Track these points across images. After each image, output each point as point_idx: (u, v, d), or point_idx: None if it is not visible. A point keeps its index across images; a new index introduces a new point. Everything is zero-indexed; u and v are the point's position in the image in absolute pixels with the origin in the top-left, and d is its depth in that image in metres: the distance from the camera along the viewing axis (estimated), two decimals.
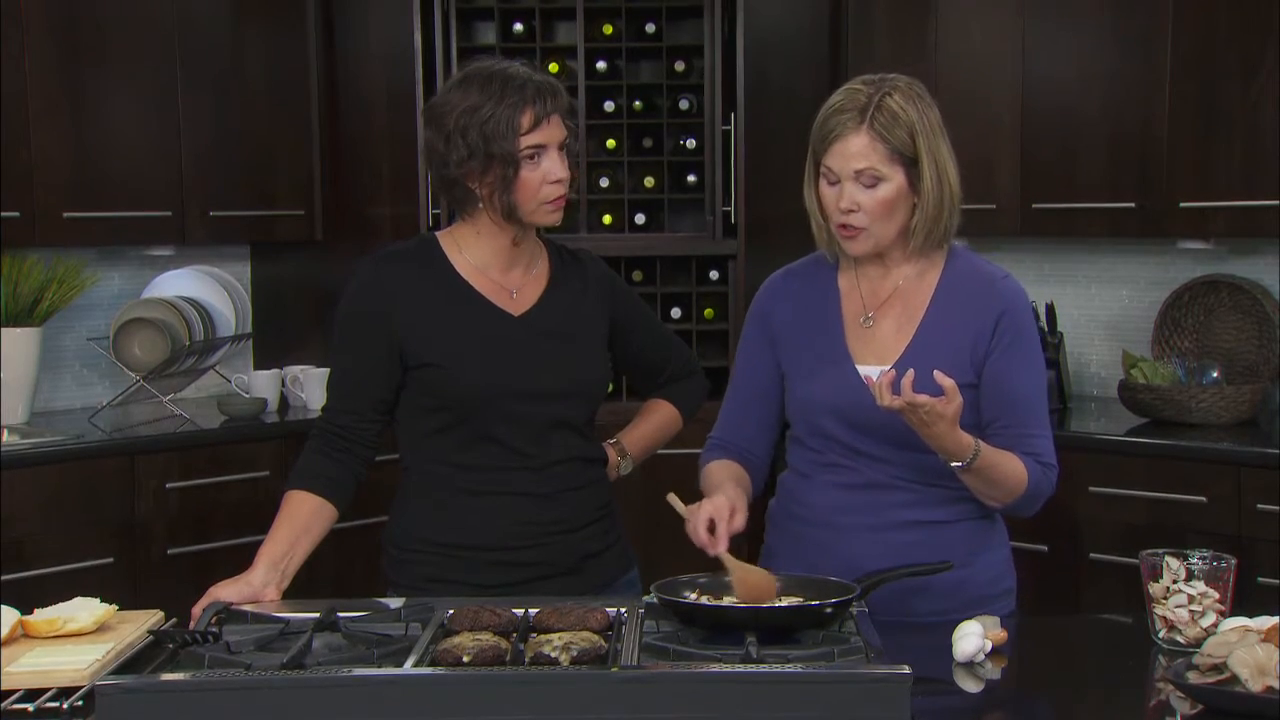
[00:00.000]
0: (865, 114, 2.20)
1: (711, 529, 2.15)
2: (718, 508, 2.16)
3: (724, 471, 2.37)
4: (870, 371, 2.26)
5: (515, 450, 2.34)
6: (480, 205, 2.33)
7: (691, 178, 4.35)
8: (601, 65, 4.34)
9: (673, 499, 2.20)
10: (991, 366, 2.26)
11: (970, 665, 1.99)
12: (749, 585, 2.05)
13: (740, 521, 2.18)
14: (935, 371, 2.11)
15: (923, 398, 2.08)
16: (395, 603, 2.08)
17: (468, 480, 2.34)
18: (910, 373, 2.09)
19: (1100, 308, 4.37)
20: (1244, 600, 2.13)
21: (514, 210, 2.30)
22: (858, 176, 2.21)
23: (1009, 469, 2.23)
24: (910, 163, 2.22)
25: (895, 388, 2.09)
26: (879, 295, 2.33)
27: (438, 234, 2.42)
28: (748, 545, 2.40)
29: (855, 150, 2.21)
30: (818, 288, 2.37)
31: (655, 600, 2.01)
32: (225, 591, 2.15)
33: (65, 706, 1.80)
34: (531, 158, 2.27)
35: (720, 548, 2.13)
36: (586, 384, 2.41)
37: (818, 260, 2.40)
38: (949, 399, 2.09)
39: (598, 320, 2.45)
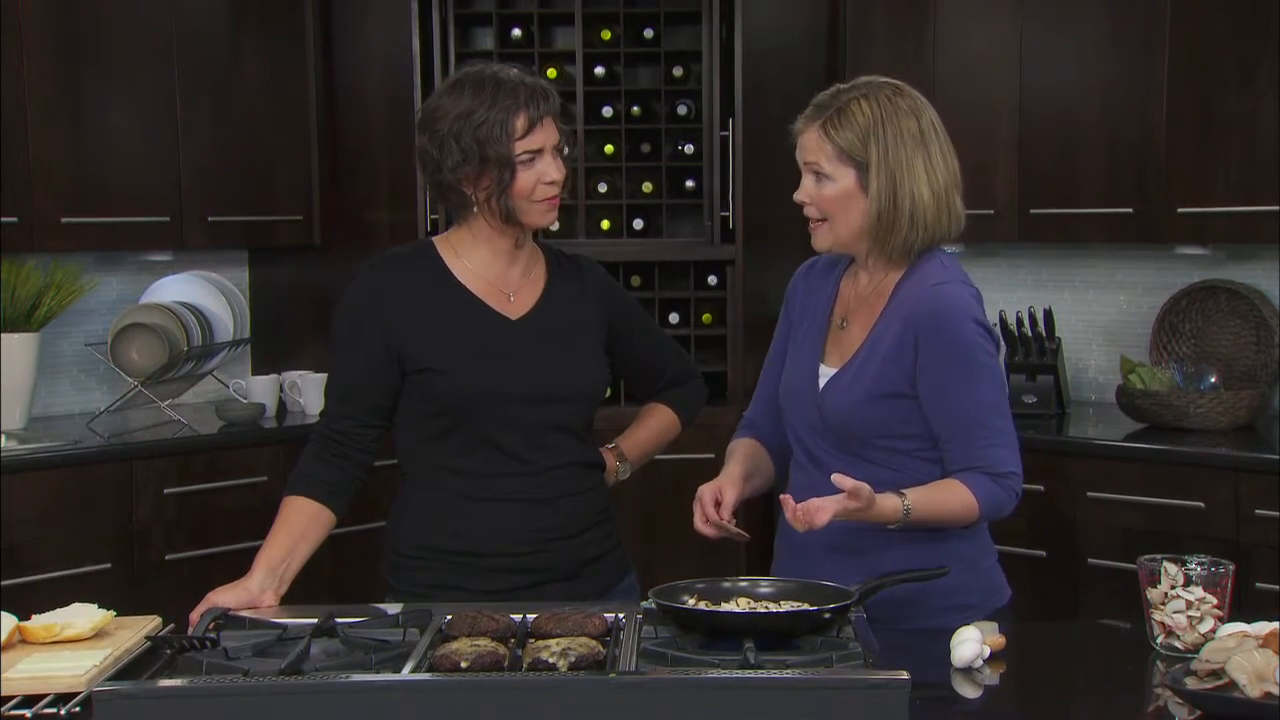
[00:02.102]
0: (823, 112, 2.26)
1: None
2: (701, 497, 2.25)
3: (739, 450, 2.42)
4: (825, 373, 2.29)
5: (512, 455, 2.34)
6: (475, 209, 2.33)
7: (690, 183, 4.35)
8: (600, 70, 4.34)
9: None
10: (923, 382, 2.22)
11: (969, 671, 1.99)
12: None
13: (731, 497, 2.26)
14: (833, 475, 2.09)
15: (826, 515, 2.06)
16: (393, 608, 2.07)
17: (466, 485, 2.34)
18: (789, 504, 2.09)
19: (1098, 313, 4.37)
20: (1242, 605, 2.14)
21: (512, 213, 2.30)
22: (808, 169, 2.28)
23: (951, 505, 2.19)
24: (862, 166, 2.23)
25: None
26: (858, 298, 2.34)
27: (434, 239, 2.43)
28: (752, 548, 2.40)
29: (805, 144, 2.28)
30: (826, 285, 2.40)
31: (653, 606, 2.01)
32: (223, 597, 2.15)
33: (63, 712, 1.80)
34: (527, 161, 2.27)
35: (725, 516, 2.23)
36: (583, 388, 2.41)
37: (843, 259, 2.41)
38: (854, 496, 2.07)
39: (595, 324, 2.45)
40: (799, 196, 2.29)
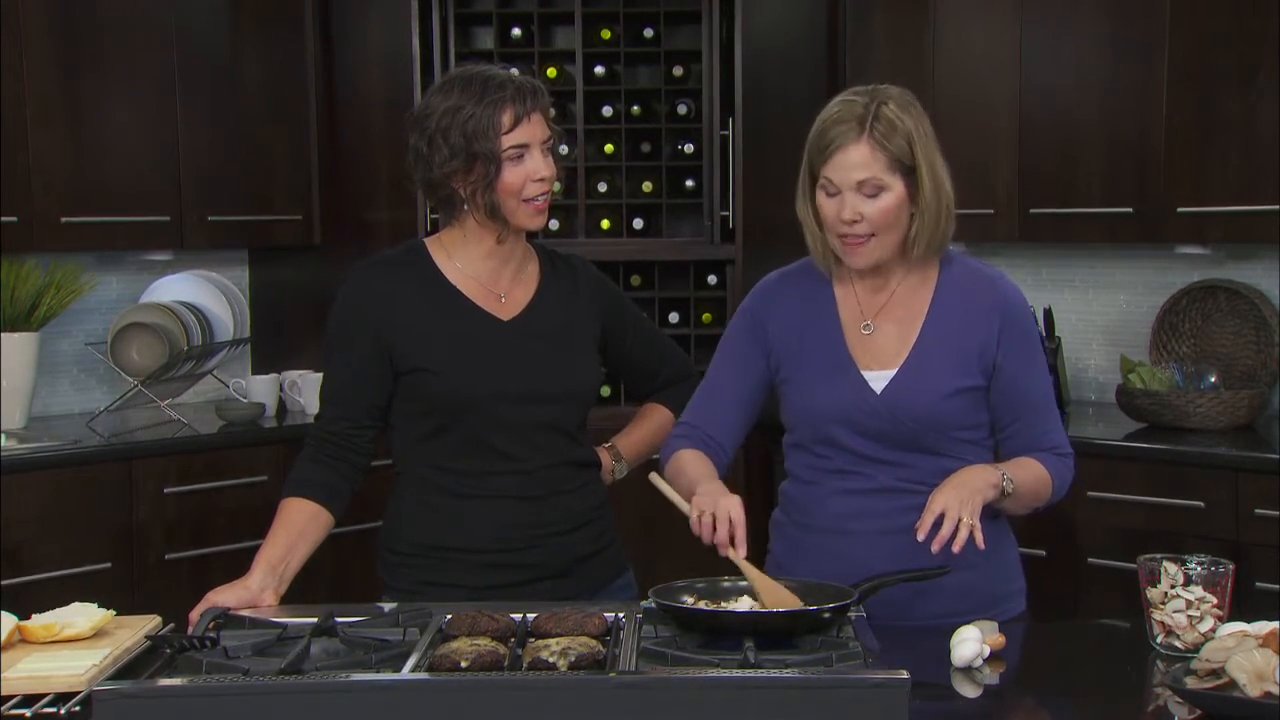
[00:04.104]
0: (864, 124, 2.19)
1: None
2: (731, 512, 2.10)
3: (702, 465, 2.31)
4: (875, 377, 2.27)
5: (505, 454, 2.34)
6: (465, 207, 2.33)
7: (689, 183, 4.36)
8: (600, 70, 4.34)
9: (658, 482, 2.20)
10: (1003, 373, 2.28)
11: (968, 670, 1.99)
12: (776, 601, 2.04)
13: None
14: (923, 538, 2.10)
15: (958, 533, 2.08)
16: (390, 607, 2.07)
17: (459, 484, 2.35)
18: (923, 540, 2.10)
19: (1098, 313, 4.37)
20: (1242, 605, 2.14)
21: (497, 208, 2.30)
22: (860, 187, 2.20)
23: (1038, 476, 2.27)
24: (909, 171, 2.21)
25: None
26: (876, 301, 2.33)
27: (426, 240, 2.43)
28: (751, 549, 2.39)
29: (857, 160, 2.20)
30: (814, 293, 2.37)
31: (653, 605, 2.01)
32: (223, 596, 2.15)
33: (62, 712, 1.80)
34: (515, 157, 2.27)
35: (740, 555, 2.10)
36: (576, 387, 2.41)
37: (808, 268, 2.39)
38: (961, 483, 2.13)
39: (588, 324, 2.45)
40: (848, 216, 2.21)
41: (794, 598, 2.06)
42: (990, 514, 2.26)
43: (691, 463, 2.32)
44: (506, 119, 2.26)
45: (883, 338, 2.31)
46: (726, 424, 2.40)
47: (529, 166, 2.28)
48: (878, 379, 2.28)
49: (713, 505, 2.11)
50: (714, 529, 2.10)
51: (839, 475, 2.31)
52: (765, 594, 2.06)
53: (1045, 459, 2.29)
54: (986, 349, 2.28)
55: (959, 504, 2.10)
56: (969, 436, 2.29)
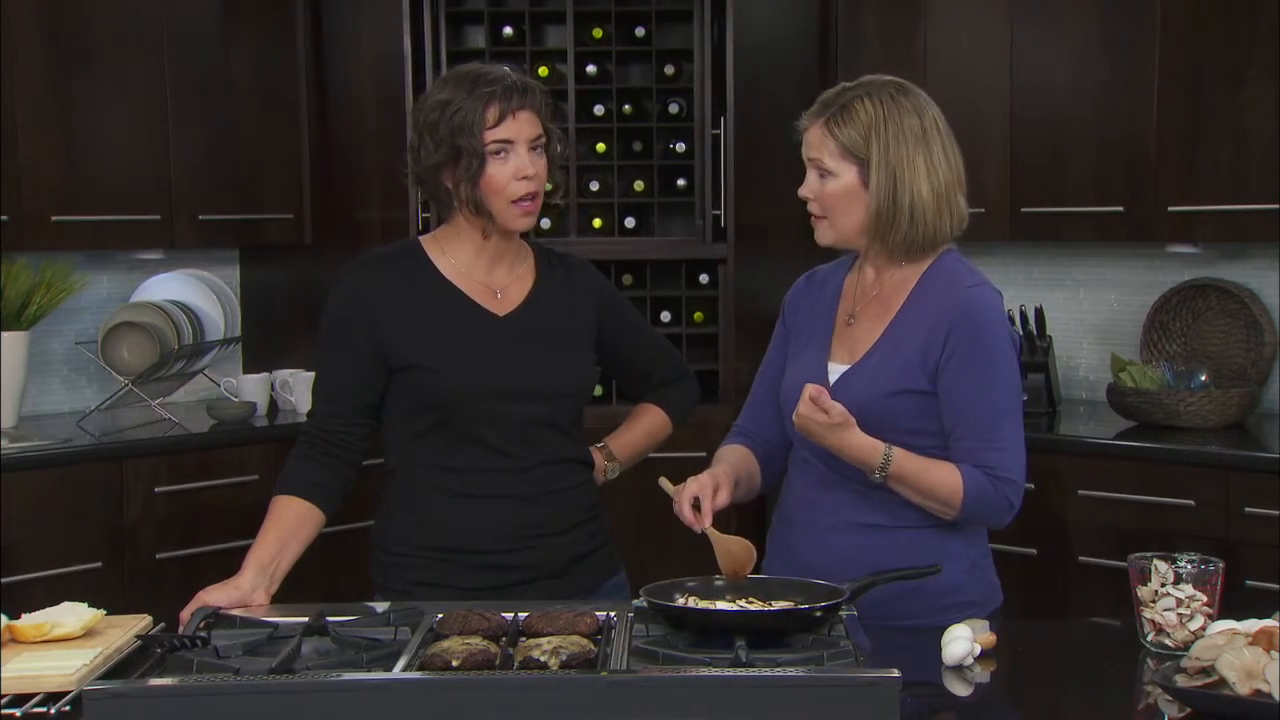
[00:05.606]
0: (827, 109, 2.27)
1: (697, 506, 2.19)
2: (701, 486, 2.22)
3: (729, 454, 2.40)
4: (835, 369, 2.29)
5: (500, 451, 2.34)
6: (454, 203, 2.33)
7: (681, 182, 4.36)
8: (591, 69, 4.34)
9: (664, 482, 2.26)
10: (945, 377, 2.24)
11: (959, 669, 1.99)
12: (726, 554, 2.13)
13: (724, 498, 2.23)
14: (806, 385, 2.18)
15: (802, 408, 2.16)
16: (382, 606, 2.07)
17: (453, 482, 2.34)
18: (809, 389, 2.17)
19: (1089, 311, 4.38)
20: (1232, 603, 2.14)
21: (481, 204, 2.30)
22: (812, 165, 2.29)
23: (933, 479, 2.21)
24: (863, 164, 2.24)
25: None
26: (867, 294, 2.35)
27: (421, 238, 2.43)
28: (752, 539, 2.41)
29: (808, 140, 2.30)
30: (829, 287, 2.42)
31: (645, 604, 2.01)
32: (214, 596, 2.15)
33: (53, 712, 1.79)
34: (499, 153, 2.27)
35: (705, 523, 2.18)
36: (570, 385, 2.41)
37: (843, 262, 2.45)
38: (827, 409, 2.16)
39: (584, 322, 2.45)
40: (803, 192, 2.31)
41: (745, 551, 2.13)
42: (933, 521, 2.26)
43: (719, 456, 2.40)
44: (491, 114, 2.27)
45: (859, 330, 2.33)
46: (766, 419, 2.45)
47: (513, 164, 2.28)
48: (837, 371, 2.30)
49: (684, 489, 2.21)
50: (691, 511, 2.20)
51: (798, 466, 2.36)
52: (721, 556, 2.15)
53: (968, 472, 2.21)
54: (930, 353, 2.24)
55: (814, 431, 2.17)
56: (919, 443, 2.23)
